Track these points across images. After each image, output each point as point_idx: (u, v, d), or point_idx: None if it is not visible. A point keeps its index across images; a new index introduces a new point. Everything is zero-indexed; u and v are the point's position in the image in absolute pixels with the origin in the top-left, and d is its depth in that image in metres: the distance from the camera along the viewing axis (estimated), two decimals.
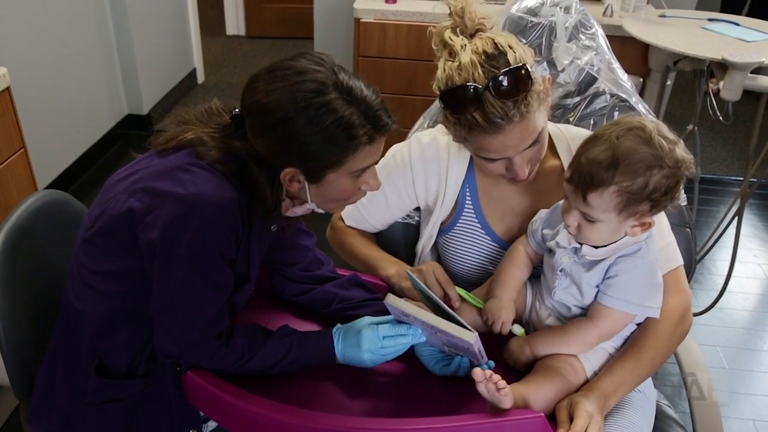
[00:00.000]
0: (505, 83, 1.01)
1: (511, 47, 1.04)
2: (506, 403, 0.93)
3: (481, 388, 0.93)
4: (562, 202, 1.14)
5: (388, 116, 1.00)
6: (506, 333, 1.09)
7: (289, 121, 0.94)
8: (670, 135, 0.98)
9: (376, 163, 1.05)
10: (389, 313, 1.09)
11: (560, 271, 1.07)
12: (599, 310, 1.04)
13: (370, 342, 1.05)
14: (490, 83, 1.01)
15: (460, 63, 1.04)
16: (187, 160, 1.01)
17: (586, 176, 0.95)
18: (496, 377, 0.92)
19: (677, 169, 0.96)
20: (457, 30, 1.07)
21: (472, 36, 1.07)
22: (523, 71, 1.02)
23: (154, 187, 0.98)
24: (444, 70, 1.06)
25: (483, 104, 1.02)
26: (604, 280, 1.03)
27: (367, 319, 1.10)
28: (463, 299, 1.17)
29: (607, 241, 1.03)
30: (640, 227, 1.00)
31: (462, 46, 1.05)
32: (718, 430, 1.23)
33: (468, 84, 1.02)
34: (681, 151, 0.96)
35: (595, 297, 1.06)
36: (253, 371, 1.04)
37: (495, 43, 1.04)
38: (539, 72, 1.08)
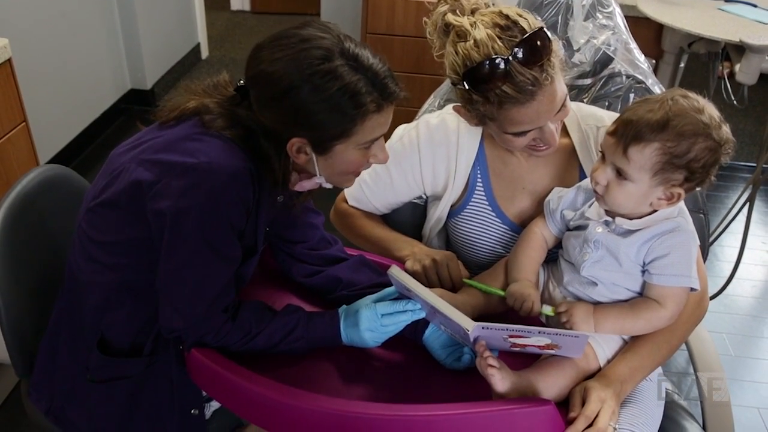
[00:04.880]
0: (529, 50, 1.00)
1: (520, 15, 1.03)
2: (497, 385, 0.93)
3: (477, 363, 0.95)
4: (582, 183, 1.14)
5: (395, 84, 0.98)
6: (536, 314, 1.07)
7: (294, 89, 0.93)
8: (718, 114, 0.98)
9: (385, 135, 1.04)
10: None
11: (593, 243, 1.05)
12: (663, 292, 1.02)
13: (369, 321, 1.04)
14: (515, 53, 1.00)
15: (475, 40, 1.02)
16: (195, 129, 0.99)
17: (632, 129, 0.95)
18: (487, 353, 0.94)
19: (720, 146, 0.96)
20: (456, 11, 1.06)
21: (472, 14, 1.05)
22: (542, 34, 1.01)
23: (162, 158, 0.97)
24: (457, 52, 1.04)
25: (512, 75, 1.00)
26: (652, 260, 1.02)
27: (368, 298, 1.09)
28: (482, 291, 1.14)
29: (632, 209, 1.02)
30: (666, 200, 1.00)
31: (472, 24, 1.03)
32: (728, 427, 1.22)
33: (492, 57, 1.00)
34: (727, 131, 0.97)
35: (643, 279, 1.04)
36: (260, 348, 1.03)
37: (504, 15, 1.03)
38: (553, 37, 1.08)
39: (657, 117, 0.94)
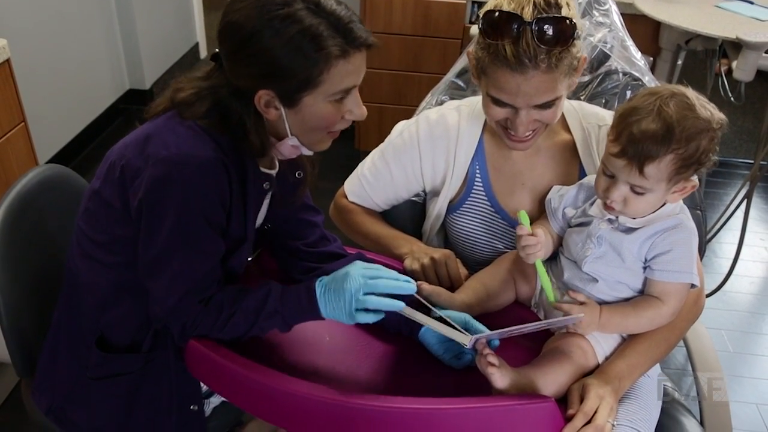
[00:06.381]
0: (548, 28, 1.01)
1: (568, 5, 1.05)
2: (497, 382, 0.93)
3: (477, 360, 0.95)
4: (584, 180, 1.14)
5: (362, 30, 0.97)
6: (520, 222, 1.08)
7: (256, 35, 0.93)
8: (702, 98, 0.98)
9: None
10: None
11: (596, 238, 1.05)
12: (665, 288, 1.03)
13: (354, 280, 0.96)
14: (535, 22, 1.01)
15: None
16: (171, 120, 1.00)
17: (642, 148, 0.95)
18: (487, 351, 0.94)
19: (719, 130, 0.97)
20: None
21: None
22: (570, 26, 1.03)
23: (140, 151, 0.97)
24: None
25: (519, 39, 1.02)
26: (654, 257, 1.02)
27: (359, 269, 0.99)
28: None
29: (648, 212, 1.03)
30: (680, 192, 1.01)
31: None
32: (726, 424, 1.22)
33: (514, 13, 1.02)
34: (718, 112, 0.98)
35: (644, 275, 1.04)
36: (243, 330, 1.00)
37: None
38: (580, 45, 1.09)
39: (661, 129, 0.94)
